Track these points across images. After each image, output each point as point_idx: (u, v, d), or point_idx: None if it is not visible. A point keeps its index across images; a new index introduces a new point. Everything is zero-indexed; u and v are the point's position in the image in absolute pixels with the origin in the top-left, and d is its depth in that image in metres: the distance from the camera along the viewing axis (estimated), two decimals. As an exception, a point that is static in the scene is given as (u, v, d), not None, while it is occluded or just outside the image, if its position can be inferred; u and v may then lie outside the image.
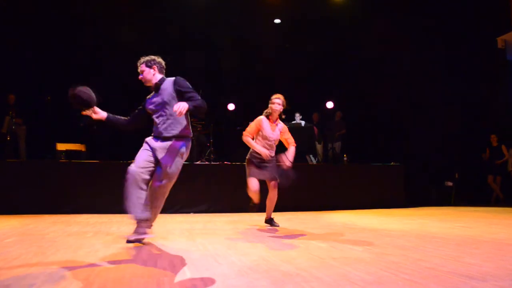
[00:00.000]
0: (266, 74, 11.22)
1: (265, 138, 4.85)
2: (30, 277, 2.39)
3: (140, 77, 4.03)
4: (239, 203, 7.11)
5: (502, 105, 9.88)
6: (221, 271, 2.55)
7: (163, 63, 4.01)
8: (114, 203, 6.78)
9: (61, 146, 8.02)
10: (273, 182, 4.86)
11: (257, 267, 2.65)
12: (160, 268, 2.64)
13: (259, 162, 4.80)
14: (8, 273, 2.48)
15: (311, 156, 8.83)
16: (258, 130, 4.87)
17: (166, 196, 3.72)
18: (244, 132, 4.87)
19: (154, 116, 3.86)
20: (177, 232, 4.58)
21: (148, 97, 4.00)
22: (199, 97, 3.68)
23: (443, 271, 2.52)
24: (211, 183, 7.32)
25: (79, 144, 8.43)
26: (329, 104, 11.24)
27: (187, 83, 3.76)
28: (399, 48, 10.09)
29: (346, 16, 10.42)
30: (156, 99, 3.85)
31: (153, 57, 3.99)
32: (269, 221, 5.12)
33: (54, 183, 6.74)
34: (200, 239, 4.00)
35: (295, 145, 5.00)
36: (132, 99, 10.34)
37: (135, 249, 3.37)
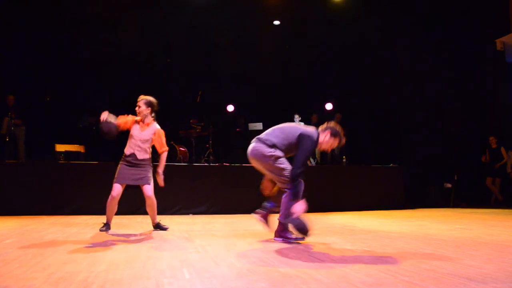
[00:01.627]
0: (266, 75, 11.23)
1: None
2: (28, 278, 2.38)
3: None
4: (238, 204, 7.11)
5: (501, 107, 9.89)
6: (220, 273, 2.55)
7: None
8: (113, 204, 6.79)
9: (60, 147, 8.01)
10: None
11: (256, 269, 2.65)
12: (159, 270, 2.63)
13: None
14: (7, 275, 2.47)
15: (310, 158, 8.82)
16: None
17: None
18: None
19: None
20: (176, 233, 4.57)
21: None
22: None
23: (442, 273, 2.52)
24: (210, 184, 7.32)
25: (78, 145, 8.43)
26: (328, 106, 11.25)
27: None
28: (398, 49, 10.10)
29: (345, 17, 10.43)
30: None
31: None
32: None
33: (53, 184, 6.73)
34: (199, 240, 4.00)
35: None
36: (132, 99, 10.37)
37: (134, 250, 3.37)
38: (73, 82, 10.23)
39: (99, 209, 6.70)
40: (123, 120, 4.80)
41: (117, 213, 6.62)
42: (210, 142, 8.52)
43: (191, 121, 8.77)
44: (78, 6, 9.86)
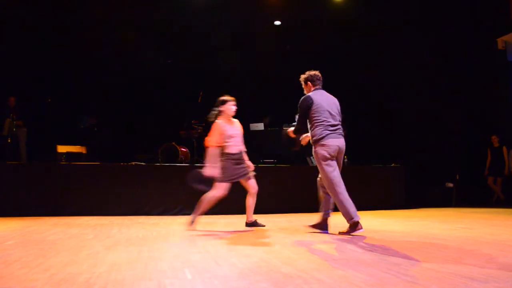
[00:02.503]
0: (266, 75, 11.23)
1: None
2: (30, 279, 2.39)
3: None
4: (239, 204, 7.09)
5: (503, 106, 9.87)
6: (222, 273, 2.55)
7: None
8: (115, 205, 6.81)
9: (61, 149, 8.03)
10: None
11: (258, 269, 2.65)
12: (160, 270, 2.63)
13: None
14: (9, 276, 2.48)
15: (311, 157, 8.80)
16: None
17: None
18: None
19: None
20: (178, 234, 4.57)
21: None
22: None
23: (444, 273, 2.52)
24: (211, 185, 7.30)
25: (80, 146, 8.44)
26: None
27: None
28: (399, 49, 10.08)
29: (346, 16, 10.42)
30: None
31: None
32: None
33: (54, 186, 6.73)
34: (201, 241, 4.00)
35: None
36: (133, 101, 10.41)
37: (135, 251, 3.37)
38: (74, 82, 10.25)
39: (101, 210, 6.73)
40: (217, 134, 4.92)
41: (118, 214, 6.68)
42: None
43: (192, 121, 8.77)
44: (79, 7, 9.88)
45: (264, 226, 5.08)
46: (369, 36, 10.64)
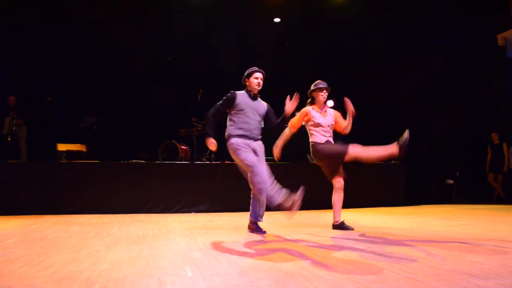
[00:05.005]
0: (267, 73, 11.22)
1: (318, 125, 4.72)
2: (32, 277, 2.39)
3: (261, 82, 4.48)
4: (240, 202, 7.11)
5: (503, 103, 9.86)
6: (223, 271, 2.55)
7: None
8: (115, 203, 6.82)
9: (61, 147, 8.03)
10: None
11: (258, 267, 2.65)
12: (161, 268, 2.64)
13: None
14: (10, 274, 2.48)
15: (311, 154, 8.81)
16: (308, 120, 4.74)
17: None
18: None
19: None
20: (178, 231, 4.58)
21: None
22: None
23: (445, 269, 2.52)
24: (212, 182, 7.32)
25: (80, 145, 8.45)
26: (330, 103, 11.23)
27: None
28: (398, 46, 10.07)
29: (346, 14, 10.40)
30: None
31: None
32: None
33: (55, 184, 6.74)
34: (202, 238, 4.00)
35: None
36: (133, 99, 10.41)
37: (136, 249, 3.37)
38: (74, 81, 10.24)
39: (102, 208, 6.74)
40: (295, 121, 4.78)
41: (119, 212, 6.69)
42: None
43: (192, 119, 8.77)
44: (79, 6, 9.86)
45: (352, 229, 4.69)
46: (368, 34, 10.62)
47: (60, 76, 10.05)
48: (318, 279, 2.31)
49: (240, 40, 11.16)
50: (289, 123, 4.74)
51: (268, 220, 5.32)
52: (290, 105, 4.37)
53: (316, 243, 3.66)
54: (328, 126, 4.77)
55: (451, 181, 9.33)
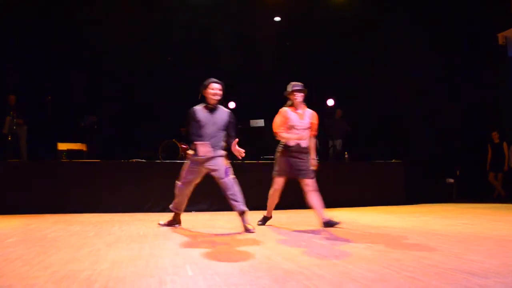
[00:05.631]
0: (267, 72, 11.21)
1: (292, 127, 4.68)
2: (32, 277, 2.39)
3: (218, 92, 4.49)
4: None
5: (503, 102, 9.85)
6: (223, 270, 2.55)
7: None
8: (116, 203, 6.82)
9: (62, 146, 8.03)
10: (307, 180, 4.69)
11: (259, 265, 2.65)
12: (162, 267, 2.64)
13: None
14: (10, 273, 2.48)
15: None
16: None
17: None
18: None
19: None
20: (178, 230, 4.58)
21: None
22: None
23: (445, 268, 2.52)
24: (212, 181, 7.30)
25: (80, 144, 8.44)
26: (330, 102, 11.23)
27: None
28: (399, 45, 10.06)
29: (346, 14, 10.39)
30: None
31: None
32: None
33: (55, 183, 6.74)
34: (202, 237, 4.00)
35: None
36: (133, 98, 10.40)
37: (136, 248, 3.37)
38: (74, 81, 10.24)
39: (102, 207, 6.74)
40: (278, 123, 4.72)
41: (119, 211, 6.69)
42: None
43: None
44: (79, 6, 9.85)
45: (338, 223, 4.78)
46: (368, 34, 10.61)
47: (60, 76, 10.04)
48: (318, 278, 2.31)
49: (240, 39, 11.16)
50: (274, 128, 4.74)
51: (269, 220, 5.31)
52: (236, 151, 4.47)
53: (317, 242, 3.66)
54: (303, 129, 4.69)
55: (451, 180, 9.33)
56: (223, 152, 4.57)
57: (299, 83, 4.81)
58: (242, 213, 4.50)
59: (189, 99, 10.45)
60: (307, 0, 10.36)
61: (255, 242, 3.68)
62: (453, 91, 10.09)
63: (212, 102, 4.48)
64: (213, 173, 4.54)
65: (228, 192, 4.50)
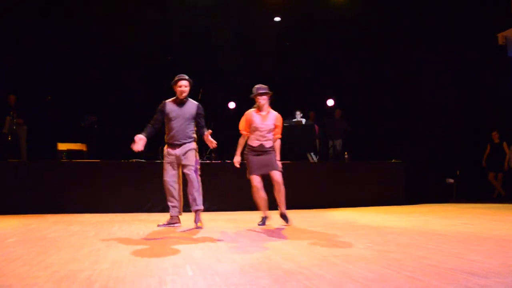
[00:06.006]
0: (267, 72, 11.22)
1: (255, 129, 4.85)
2: (32, 277, 2.39)
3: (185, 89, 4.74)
4: (240, 201, 7.11)
5: (503, 102, 9.85)
6: (223, 270, 2.55)
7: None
8: (116, 203, 6.82)
9: (62, 146, 8.02)
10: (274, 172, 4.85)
11: (259, 265, 2.65)
12: (162, 267, 2.64)
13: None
14: (10, 273, 2.48)
15: (312, 154, 8.81)
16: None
17: None
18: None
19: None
20: (179, 230, 4.58)
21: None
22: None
23: (445, 268, 2.52)
24: (212, 181, 7.31)
25: (80, 144, 8.44)
26: (330, 102, 11.23)
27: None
28: (399, 45, 10.06)
29: (346, 14, 10.39)
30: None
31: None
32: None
33: (55, 183, 6.74)
34: (202, 237, 4.00)
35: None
36: (133, 98, 10.40)
37: (137, 248, 3.37)
38: (74, 81, 10.24)
39: (102, 207, 6.74)
40: (243, 125, 4.95)
41: (119, 211, 6.68)
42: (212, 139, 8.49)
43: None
44: (79, 5, 9.85)
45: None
46: (368, 34, 10.61)
47: (60, 76, 10.04)
48: (318, 278, 2.31)
49: (240, 38, 11.15)
50: (240, 129, 4.99)
51: (268, 220, 5.31)
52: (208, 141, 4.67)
53: (316, 242, 3.65)
54: (266, 130, 4.83)
55: (451, 180, 9.33)
56: (194, 145, 4.80)
57: (263, 86, 4.95)
58: (196, 211, 4.86)
59: (189, 98, 10.43)
60: (307, 0, 10.36)
61: (255, 242, 3.68)
62: (453, 91, 10.09)
63: (180, 98, 4.73)
64: (183, 168, 4.78)
65: (190, 189, 4.75)
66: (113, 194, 6.87)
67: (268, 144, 4.87)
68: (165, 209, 6.91)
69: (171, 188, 4.84)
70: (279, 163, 4.94)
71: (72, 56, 10.17)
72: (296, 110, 9.63)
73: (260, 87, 4.91)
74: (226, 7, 10.30)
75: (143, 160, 7.55)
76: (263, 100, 4.85)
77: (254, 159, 4.84)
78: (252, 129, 4.87)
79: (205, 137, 4.61)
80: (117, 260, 2.88)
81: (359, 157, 9.59)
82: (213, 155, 8.35)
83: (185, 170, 4.77)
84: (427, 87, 10.20)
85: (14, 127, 8.43)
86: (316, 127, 9.41)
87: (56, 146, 8.05)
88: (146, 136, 4.64)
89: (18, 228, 4.73)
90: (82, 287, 2.19)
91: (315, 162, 8.65)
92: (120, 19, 10.00)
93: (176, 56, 11.10)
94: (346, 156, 9.20)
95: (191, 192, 4.75)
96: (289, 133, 8.94)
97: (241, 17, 10.77)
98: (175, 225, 4.91)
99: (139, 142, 4.53)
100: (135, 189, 6.94)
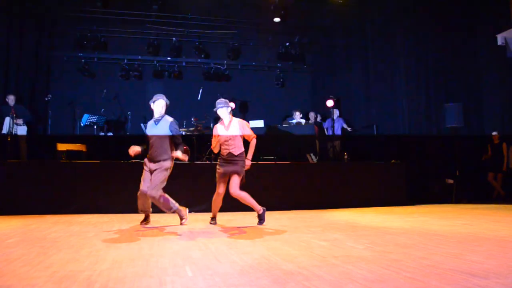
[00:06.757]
0: (266, 72, 11.24)
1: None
2: (32, 277, 2.39)
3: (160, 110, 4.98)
4: (240, 202, 7.10)
5: (503, 102, 9.84)
6: (223, 270, 2.55)
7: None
8: (115, 203, 6.81)
9: (61, 147, 8.01)
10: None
11: (258, 266, 2.65)
12: (161, 268, 2.64)
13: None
14: (10, 274, 2.48)
15: (311, 154, 8.81)
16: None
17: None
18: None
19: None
20: (178, 231, 4.58)
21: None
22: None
23: (445, 269, 2.52)
24: (211, 182, 7.30)
25: (80, 144, 8.43)
26: (329, 103, 11.22)
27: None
28: (399, 45, 10.06)
29: (346, 14, 10.41)
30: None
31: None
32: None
33: (55, 184, 6.73)
34: (201, 238, 4.01)
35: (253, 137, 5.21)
36: (133, 98, 10.40)
37: (136, 248, 3.38)
38: (74, 80, 10.25)
39: (102, 208, 6.74)
40: (214, 143, 5.18)
41: (119, 212, 6.68)
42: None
43: (192, 118, 8.77)
44: (78, 6, 9.86)
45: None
46: (369, 33, 10.62)
47: (60, 76, 10.05)
48: (318, 279, 2.31)
49: (240, 39, 11.17)
50: (211, 147, 5.26)
51: (268, 221, 5.32)
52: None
53: (316, 242, 3.66)
54: (230, 139, 5.04)
55: (451, 181, 9.32)
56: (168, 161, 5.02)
57: (222, 100, 5.18)
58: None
59: (189, 99, 10.51)
60: (307, 0, 10.37)
61: (254, 243, 3.68)
62: (453, 92, 10.09)
63: (156, 116, 4.97)
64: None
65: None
66: (113, 194, 6.86)
67: (236, 151, 5.04)
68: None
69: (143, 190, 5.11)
70: (248, 162, 5.10)
71: (72, 56, 10.18)
72: (295, 111, 9.64)
73: (218, 102, 5.16)
74: (226, 7, 10.31)
75: (142, 161, 7.53)
76: (221, 113, 5.11)
77: (222, 168, 5.05)
78: (219, 139, 5.09)
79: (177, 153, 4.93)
80: (117, 260, 2.88)
81: (358, 158, 9.59)
82: (212, 156, 8.35)
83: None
84: (426, 87, 10.20)
85: (14, 127, 8.42)
86: (316, 127, 9.42)
87: (55, 146, 8.05)
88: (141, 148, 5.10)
89: (18, 229, 4.73)
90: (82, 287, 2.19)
91: (314, 163, 8.65)
92: (121, 20, 10.02)
93: (176, 56, 11.12)
94: (345, 157, 9.20)
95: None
96: (288, 134, 8.97)
97: (241, 17, 10.79)
98: (183, 221, 5.21)
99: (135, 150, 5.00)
100: (134, 189, 6.91)
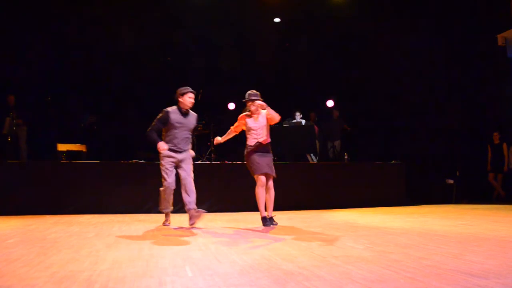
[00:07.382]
0: (267, 72, 11.22)
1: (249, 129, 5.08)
2: (32, 277, 2.39)
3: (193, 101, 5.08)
4: (240, 202, 7.11)
5: (503, 103, 9.84)
6: (223, 270, 2.55)
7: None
8: (115, 203, 6.81)
9: (61, 147, 8.02)
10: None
11: (258, 266, 2.65)
12: (161, 268, 2.64)
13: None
14: (10, 274, 2.48)
15: (311, 155, 8.81)
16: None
17: None
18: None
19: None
20: (179, 231, 4.58)
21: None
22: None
23: (445, 269, 2.52)
24: (212, 182, 7.32)
25: (80, 145, 8.44)
26: (329, 103, 11.22)
27: None
28: (399, 45, 10.06)
29: (346, 14, 10.40)
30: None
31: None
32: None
33: (55, 184, 6.74)
34: (202, 238, 4.01)
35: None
36: (132, 98, 10.40)
37: (136, 249, 3.38)
38: (74, 81, 10.24)
39: (102, 208, 6.74)
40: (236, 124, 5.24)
41: (118, 212, 6.69)
42: (212, 140, 8.51)
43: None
44: (78, 6, 9.85)
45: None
46: (368, 34, 10.61)
47: (60, 76, 10.04)
48: (318, 279, 2.31)
49: (240, 39, 11.15)
50: (231, 128, 5.29)
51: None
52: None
53: (316, 243, 3.66)
54: (259, 128, 5.06)
55: (451, 181, 9.32)
56: (192, 153, 5.19)
57: (253, 92, 5.17)
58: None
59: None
60: (307, 0, 10.36)
61: (254, 243, 3.68)
62: (453, 92, 10.09)
63: (186, 107, 5.03)
64: (179, 170, 5.05)
65: (187, 190, 4.99)
66: (113, 194, 6.87)
67: (264, 140, 5.05)
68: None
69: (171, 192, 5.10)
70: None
71: (72, 56, 10.17)
72: (296, 111, 9.63)
73: (251, 94, 5.14)
74: (226, 7, 10.30)
75: (142, 161, 7.55)
76: (253, 106, 5.05)
77: (256, 158, 4.96)
78: (247, 129, 5.10)
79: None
80: (116, 260, 2.88)
81: (359, 158, 9.58)
82: (212, 156, 8.36)
83: (183, 173, 5.02)
84: (427, 88, 10.21)
85: (14, 128, 8.42)
86: (316, 128, 9.41)
87: (55, 146, 8.06)
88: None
89: (18, 229, 4.73)
90: (82, 288, 2.19)
91: (314, 163, 8.65)
92: (121, 20, 10.01)
93: (176, 57, 11.11)
94: (345, 157, 9.20)
95: (187, 195, 4.99)
96: (289, 134, 8.96)
97: (241, 17, 10.78)
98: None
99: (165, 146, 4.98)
100: (135, 189, 6.94)
